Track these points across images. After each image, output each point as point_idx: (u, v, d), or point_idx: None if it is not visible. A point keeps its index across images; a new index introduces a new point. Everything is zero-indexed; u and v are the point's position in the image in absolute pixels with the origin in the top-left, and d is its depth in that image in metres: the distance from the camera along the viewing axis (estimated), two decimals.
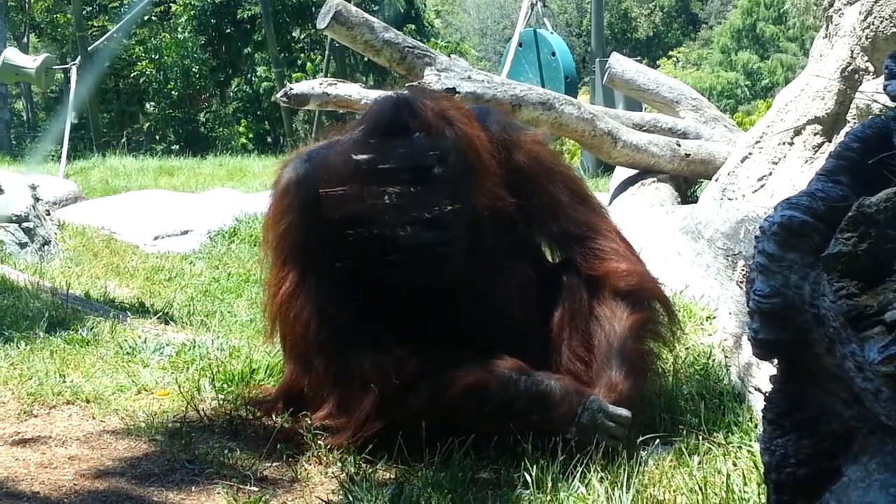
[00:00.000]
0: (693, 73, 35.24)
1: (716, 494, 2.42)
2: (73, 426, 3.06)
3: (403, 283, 2.82)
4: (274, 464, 2.79)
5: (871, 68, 5.92)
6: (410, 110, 2.80)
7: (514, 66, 13.71)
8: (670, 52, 39.46)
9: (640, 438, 2.79)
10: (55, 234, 7.30)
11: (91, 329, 4.07)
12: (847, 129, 5.28)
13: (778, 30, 38.22)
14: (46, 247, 6.93)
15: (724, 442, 2.77)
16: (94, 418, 3.12)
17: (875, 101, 4.24)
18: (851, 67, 6.07)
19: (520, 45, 14.26)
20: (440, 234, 2.77)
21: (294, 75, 19.83)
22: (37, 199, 7.44)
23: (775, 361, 1.75)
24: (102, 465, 2.75)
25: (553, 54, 14.12)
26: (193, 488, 2.62)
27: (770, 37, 38.33)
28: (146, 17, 22.55)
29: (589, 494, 2.49)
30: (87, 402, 3.24)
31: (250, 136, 22.72)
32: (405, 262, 2.77)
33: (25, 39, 25.62)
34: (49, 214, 7.69)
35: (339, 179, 2.84)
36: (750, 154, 6.57)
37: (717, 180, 6.87)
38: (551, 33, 14.83)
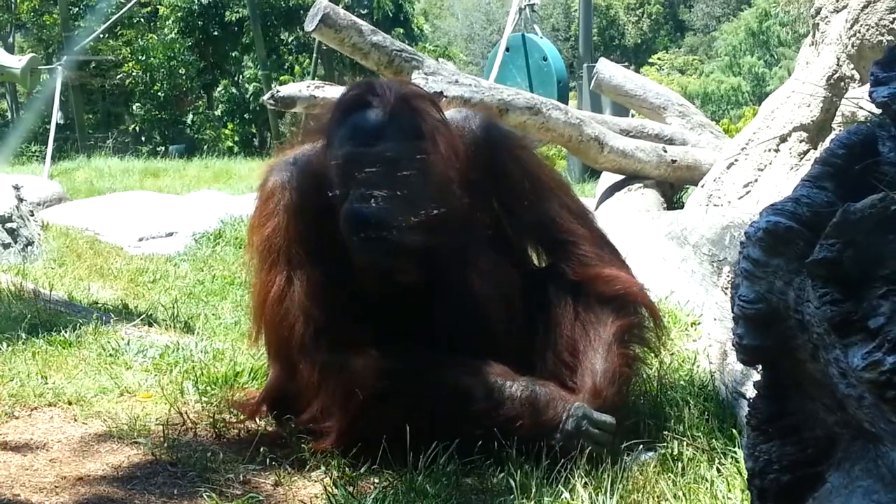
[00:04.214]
0: (678, 79, 35.24)
1: (700, 500, 2.43)
2: (54, 428, 3.03)
3: (363, 276, 2.82)
4: (257, 467, 2.77)
5: (857, 76, 5.96)
6: (373, 91, 2.86)
7: (502, 70, 13.73)
8: (650, 60, 39.44)
9: (625, 444, 2.79)
10: (39, 234, 7.25)
11: (74, 330, 4.04)
12: (833, 136, 5.31)
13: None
14: (30, 247, 6.88)
15: (708, 448, 2.77)
16: (76, 420, 3.09)
17: (861, 108, 4.26)
18: (837, 75, 6.10)
19: (507, 49, 14.28)
20: (381, 210, 2.74)
21: (282, 78, 19.81)
22: (20, 200, 7.39)
23: (759, 367, 1.75)
24: (84, 467, 2.73)
25: (545, 59, 14.16)
26: (176, 491, 2.60)
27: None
28: (134, 19, 22.48)
29: (573, 500, 2.48)
30: (70, 404, 3.22)
31: (236, 138, 22.67)
32: (351, 243, 2.77)
33: (11, 39, 25.49)
34: (33, 215, 7.64)
35: (318, 179, 2.85)
36: (736, 161, 6.60)
37: (703, 186, 6.90)
38: (541, 38, 14.87)
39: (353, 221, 2.76)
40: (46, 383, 3.38)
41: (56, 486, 2.59)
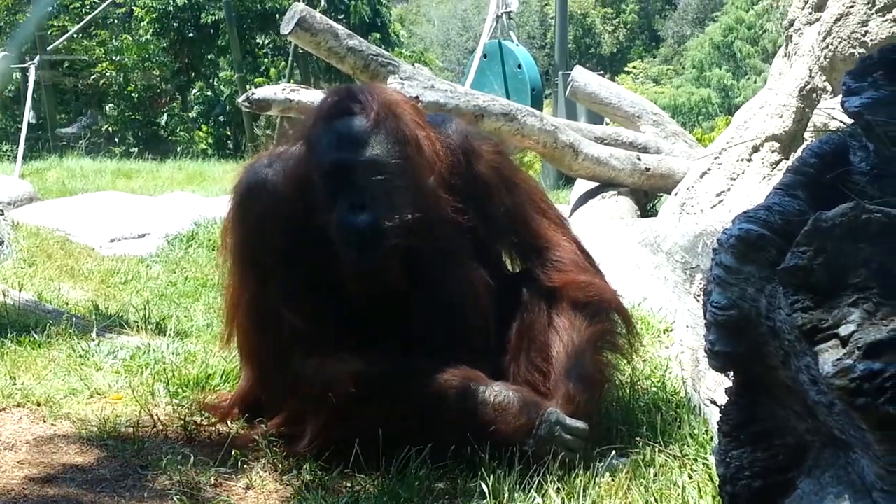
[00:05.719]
0: (652, 89, 35.40)
1: None
2: (23, 429, 3.00)
3: (351, 280, 2.82)
4: (229, 470, 2.76)
5: (829, 88, 6.02)
6: (354, 97, 2.86)
7: (478, 76, 13.75)
8: (626, 69, 39.63)
9: (597, 450, 2.80)
10: (9, 234, 7.17)
11: (43, 331, 4.00)
12: (805, 145, 5.36)
13: (754, 50, 38.39)
14: None
15: (680, 454, 2.78)
16: (44, 422, 3.06)
17: (833, 118, 4.30)
18: (810, 86, 6.17)
19: (484, 56, 14.31)
20: (372, 219, 2.75)
21: (257, 81, 19.73)
22: None
23: (731, 374, 1.77)
24: (52, 469, 2.70)
25: (519, 66, 14.19)
26: (146, 494, 2.58)
27: (745, 55, 38.48)
28: (108, 20, 22.30)
29: None
30: (38, 405, 3.19)
31: (210, 140, 22.53)
32: (344, 252, 2.77)
33: None
34: (3, 214, 7.55)
35: (296, 184, 2.84)
36: (709, 169, 6.65)
37: (676, 194, 6.94)
38: (517, 45, 14.91)
39: (346, 233, 2.76)
40: (15, 384, 3.34)
41: (24, 488, 2.56)
